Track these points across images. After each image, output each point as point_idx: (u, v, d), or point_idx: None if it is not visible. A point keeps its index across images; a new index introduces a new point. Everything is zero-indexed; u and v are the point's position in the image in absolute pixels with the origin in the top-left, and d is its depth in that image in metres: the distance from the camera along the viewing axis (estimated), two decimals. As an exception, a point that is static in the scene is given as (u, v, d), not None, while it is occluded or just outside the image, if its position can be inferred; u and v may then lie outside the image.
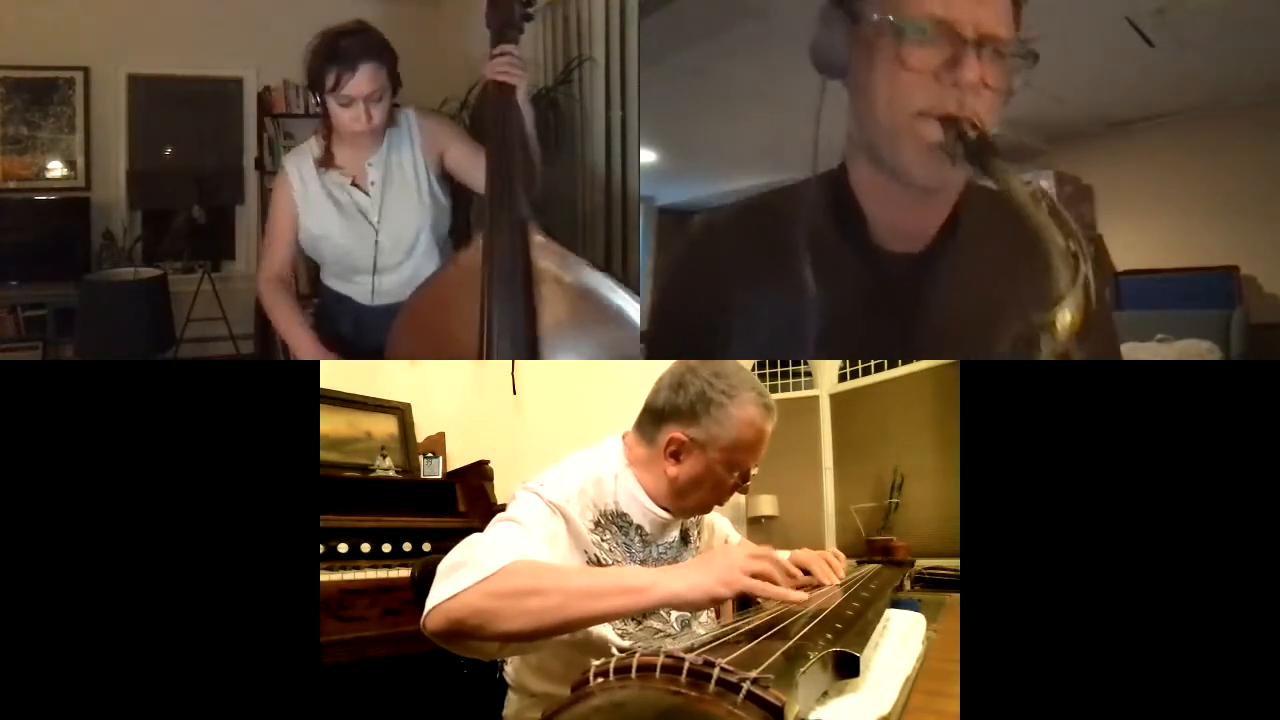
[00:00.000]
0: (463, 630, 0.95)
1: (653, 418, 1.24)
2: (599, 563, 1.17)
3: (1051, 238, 0.95)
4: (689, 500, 1.24)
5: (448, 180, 2.06)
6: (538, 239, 1.77)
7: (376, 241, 1.98)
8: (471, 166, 1.97)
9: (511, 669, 1.30)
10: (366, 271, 2.03)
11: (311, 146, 2.00)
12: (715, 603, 0.95)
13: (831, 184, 1.20)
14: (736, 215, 1.26)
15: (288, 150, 4.22)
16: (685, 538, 1.35)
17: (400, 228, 2.00)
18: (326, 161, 1.97)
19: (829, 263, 1.14)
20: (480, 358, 1.75)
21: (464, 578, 0.94)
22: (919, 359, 2.74)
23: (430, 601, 0.96)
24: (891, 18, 1.08)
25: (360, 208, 1.99)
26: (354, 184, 1.98)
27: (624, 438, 1.30)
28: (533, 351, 1.75)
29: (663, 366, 1.30)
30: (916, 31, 1.07)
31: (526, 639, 0.97)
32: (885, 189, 1.16)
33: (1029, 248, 0.95)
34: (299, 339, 1.98)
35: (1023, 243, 0.96)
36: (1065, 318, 0.93)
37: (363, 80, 1.82)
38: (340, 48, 1.82)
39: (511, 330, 1.72)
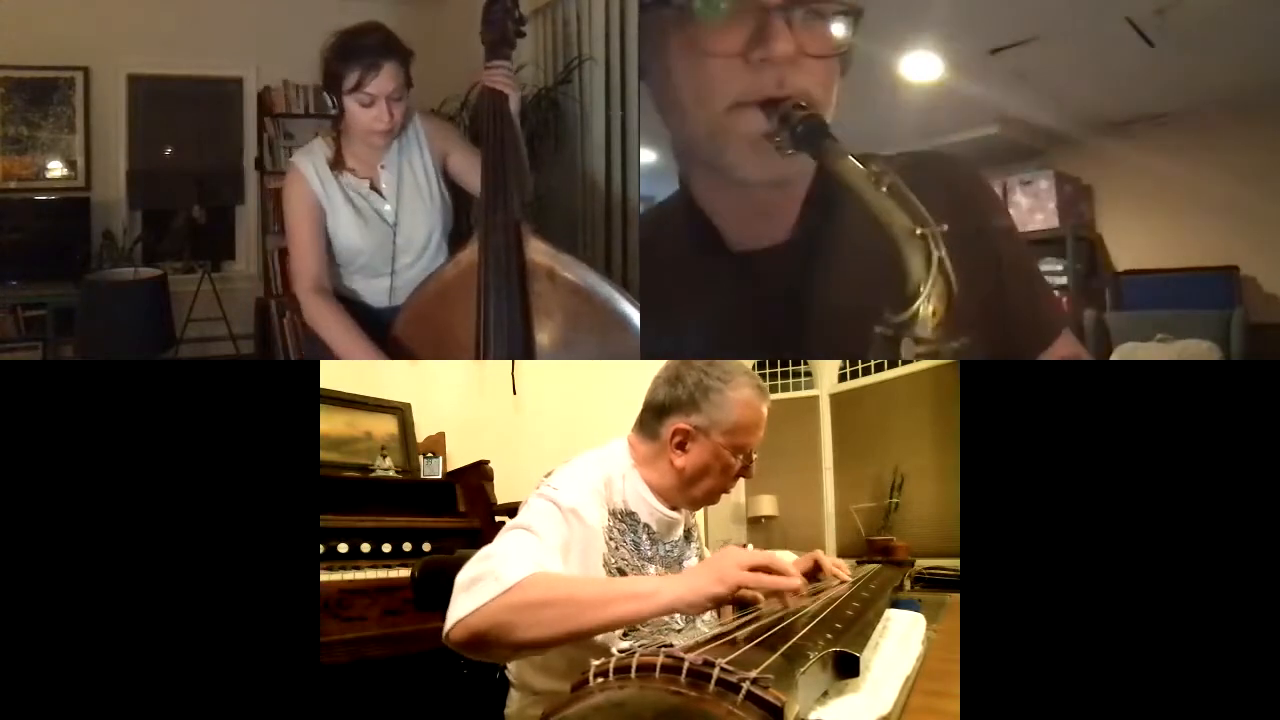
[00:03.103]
0: (484, 641, 0.98)
1: (654, 414, 1.27)
2: (611, 561, 1.19)
3: (896, 221, 0.83)
4: (698, 489, 1.27)
5: (450, 183, 2.08)
6: (532, 240, 1.78)
7: (395, 243, 1.98)
8: (472, 171, 1.98)
9: (514, 666, 1.30)
10: (381, 274, 2.02)
11: (321, 147, 1.96)
12: (715, 602, 0.97)
13: (683, 191, 1.11)
14: (661, 215, 1.23)
15: (287, 150, 4.23)
16: (688, 536, 1.37)
17: (414, 229, 2.00)
18: (339, 164, 1.94)
19: (692, 273, 1.05)
20: (476, 357, 1.75)
21: (483, 592, 0.97)
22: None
23: (452, 616, 0.99)
24: None
25: (378, 211, 1.99)
26: (371, 187, 1.98)
27: (627, 439, 1.32)
28: (528, 351, 1.76)
29: (659, 366, 1.31)
30: (710, 8, 0.90)
31: (543, 647, 1.02)
32: (725, 192, 1.05)
33: (878, 235, 0.84)
34: (353, 347, 1.89)
35: (874, 230, 0.85)
36: (927, 310, 0.82)
37: (386, 79, 1.82)
38: (360, 46, 1.83)
39: (507, 329, 1.73)
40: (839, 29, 0.94)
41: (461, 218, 2.14)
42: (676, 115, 0.98)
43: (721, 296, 1.06)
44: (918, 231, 0.81)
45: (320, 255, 1.95)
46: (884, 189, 0.84)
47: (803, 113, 0.90)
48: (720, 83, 0.92)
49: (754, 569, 0.97)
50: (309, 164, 1.95)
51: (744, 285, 1.06)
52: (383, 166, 1.97)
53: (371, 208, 1.98)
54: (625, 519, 1.24)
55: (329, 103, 1.90)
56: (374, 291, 2.06)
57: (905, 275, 0.82)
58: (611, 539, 1.20)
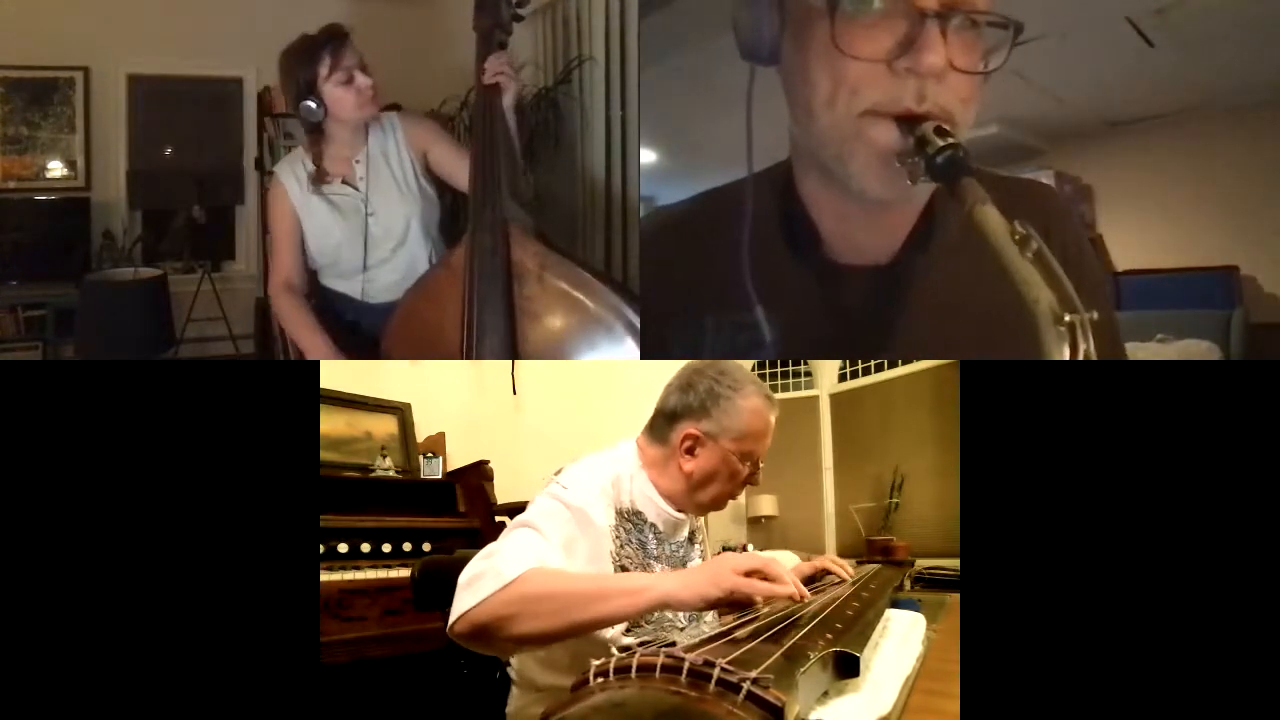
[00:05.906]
0: (485, 633, 1.01)
1: (665, 419, 1.30)
2: (617, 560, 1.21)
3: (1041, 298, 0.71)
4: (705, 494, 1.29)
5: (434, 178, 2.11)
6: (523, 239, 1.77)
7: (367, 229, 2.03)
8: (455, 165, 2.05)
9: (516, 662, 1.31)
10: (361, 268, 2.06)
11: (304, 161, 2.05)
12: (707, 603, 0.98)
13: (778, 188, 1.05)
14: (682, 215, 1.20)
15: (288, 150, 4.23)
16: (692, 537, 1.38)
17: (390, 217, 2.04)
18: (320, 177, 2.02)
19: (775, 274, 0.99)
20: (462, 357, 1.75)
21: (485, 587, 1.00)
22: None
23: (455, 611, 1.02)
24: None
25: (352, 202, 2.03)
26: (344, 182, 2.04)
27: (636, 441, 1.34)
28: (514, 351, 1.76)
29: (659, 366, 1.32)
30: (857, 4, 0.83)
31: (542, 641, 1.05)
32: (837, 200, 0.99)
33: (1010, 298, 0.74)
34: (312, 343, 2.00)
35: (1006, 288, 0.74)
36: None
37: (349, 53, 1.92)
38: (313, 41, 1.93)
39: (491, 330, 1.72)
40: (994, 43, 0.86)
41: (458, 216, 2.15)
42: (803, 112, 0.92)
43: (803, 300, 1.02)
44: (1066, 318, 0.70)
45: (295, 258, 2.07)
46: (1029, 256, 0.73)
47: (944, 141, 0.81)
48: (856, 86, 0.85)
49: (750, 573, 0.98)
50: (289, 174, 2.05)
51: (831, 294, 1.02)
52: (357, 161, 2.03)
53: (347, 200, 2.04)
54: (632, 518, 1.25)
55: (313, 109, 1.94)
56: (357, 287, 2.10)
57: (1037, 350, 0.72)
58: (618, 538, 1.22)
